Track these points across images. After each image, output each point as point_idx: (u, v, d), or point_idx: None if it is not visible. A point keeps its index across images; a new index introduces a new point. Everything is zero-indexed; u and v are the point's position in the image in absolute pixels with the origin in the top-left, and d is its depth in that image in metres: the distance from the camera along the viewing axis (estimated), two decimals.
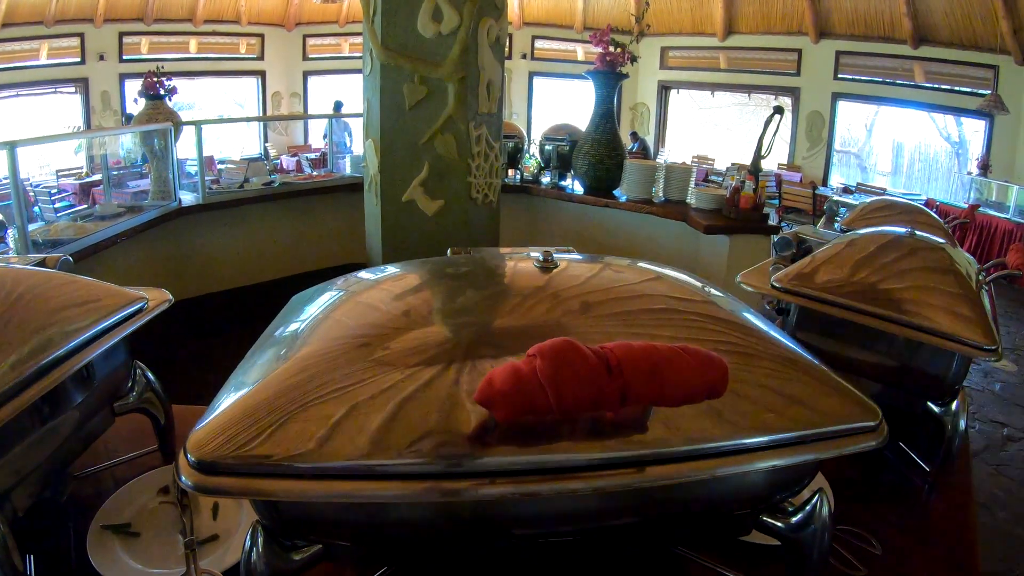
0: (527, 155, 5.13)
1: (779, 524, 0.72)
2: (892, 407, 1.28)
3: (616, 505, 0.66)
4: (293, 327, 0.75)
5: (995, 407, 4.27)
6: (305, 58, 11.61)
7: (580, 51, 11.29)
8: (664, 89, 11.26)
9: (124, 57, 9.72)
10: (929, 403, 1.17)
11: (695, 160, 10.18)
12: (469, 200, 2.73)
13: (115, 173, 5.44)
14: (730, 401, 0.61)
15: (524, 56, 11.62)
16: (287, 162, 9.48)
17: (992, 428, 4.00)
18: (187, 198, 4.46)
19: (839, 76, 9.27)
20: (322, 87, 11.71)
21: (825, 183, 9.38)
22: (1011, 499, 3.25)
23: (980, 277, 1.32)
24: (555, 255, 0.87)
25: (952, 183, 9.12)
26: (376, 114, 2.74)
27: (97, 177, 6.65)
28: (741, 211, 3.84)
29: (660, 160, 10.57)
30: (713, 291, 0.84)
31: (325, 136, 7.94)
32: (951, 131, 9.35)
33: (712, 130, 11.38)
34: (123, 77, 9.67)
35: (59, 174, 8.23)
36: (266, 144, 11.16)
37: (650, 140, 11.29)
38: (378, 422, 0.57)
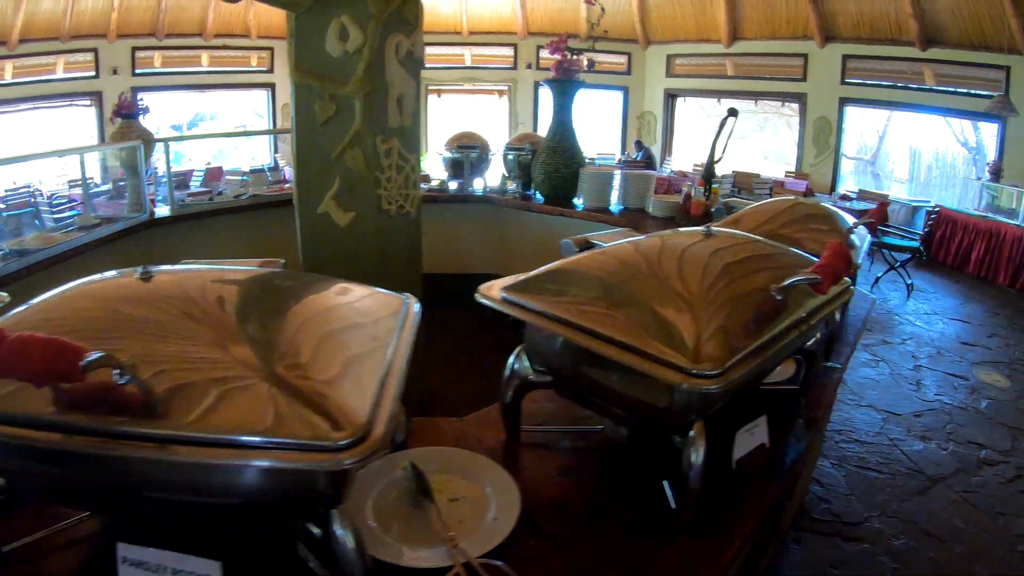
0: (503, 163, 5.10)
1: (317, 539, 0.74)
2: (651, 439, 1.21)
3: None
4: None
5: (975, 427, 3.95)
6: None
7: (584, 60, 11.20)
8: (670, 97, 11.10)
9: (137, 71, 10.05)
10: (675, 436, 1.08)
11: (696, 168, 9.98)
12: (380, 212, 2.74)
13: (121, 184, 5.67)
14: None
15: (529, 66, 11.60)
16: (289, 173, 9.65)
17: (967, 450, 3.70)
18: (163, 211, 4.58)
19: (846, 81, 8.97)
20: None
21: (833, 191, 9.09)
22: (973, 532, 2.92)
23: (784, 284, 1.20)
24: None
25: (969, 190, 8.77)
26: (294, 131, 2.78)
27: (104, 187, 6.94)
28: (691, 217, 3.76)
29: (664, 170, 10.43)
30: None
31: None
32: (968, 136, 8.99)
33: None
34: (136, 90, 9.95)
35: (71, 184, 8.55)
36: (276, 155, 11.36)
37: (656, 149, 11.14)
38: None
